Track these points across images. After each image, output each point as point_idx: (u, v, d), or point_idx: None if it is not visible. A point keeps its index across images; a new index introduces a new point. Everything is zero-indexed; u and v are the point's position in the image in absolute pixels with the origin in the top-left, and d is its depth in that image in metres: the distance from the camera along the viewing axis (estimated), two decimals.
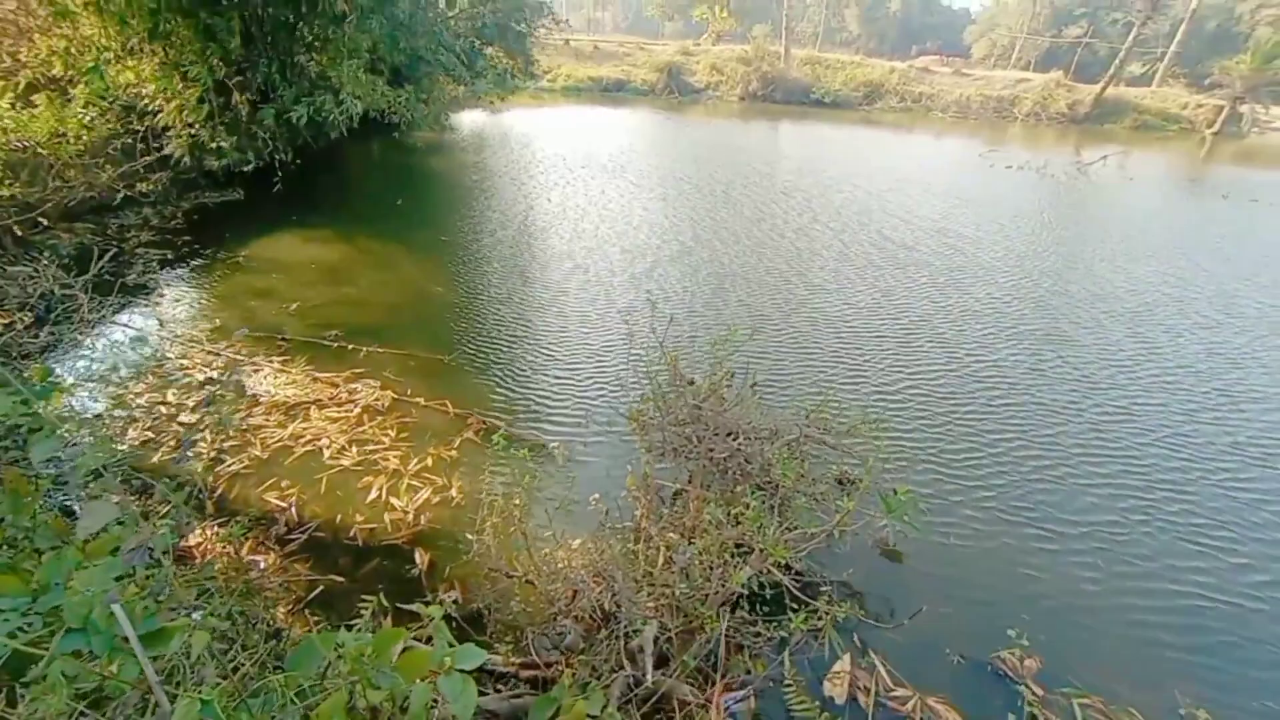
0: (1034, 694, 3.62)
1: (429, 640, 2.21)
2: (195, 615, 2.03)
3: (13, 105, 8.40)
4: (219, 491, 4.57)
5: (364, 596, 3.11)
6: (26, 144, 7.99)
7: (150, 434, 5.02)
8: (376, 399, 5.71)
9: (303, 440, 5.12)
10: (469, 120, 21.26)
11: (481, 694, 3.17)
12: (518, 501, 3.94)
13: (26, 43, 9.56)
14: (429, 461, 5.01)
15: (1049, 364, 7.33)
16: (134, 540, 1.98)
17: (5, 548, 2.02)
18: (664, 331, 4.48)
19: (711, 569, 3.44)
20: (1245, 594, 4.36)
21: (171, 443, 4.95)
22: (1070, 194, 17.19)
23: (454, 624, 3.59)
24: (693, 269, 9.60)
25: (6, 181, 6.65)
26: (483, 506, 3.91)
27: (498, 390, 6.15)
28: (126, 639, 1.60)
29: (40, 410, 2.47)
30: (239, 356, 6.26)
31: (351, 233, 10.31)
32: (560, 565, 3.50)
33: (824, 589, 3.89)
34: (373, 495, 4.61)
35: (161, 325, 6.85)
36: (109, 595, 1.69)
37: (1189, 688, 3.68)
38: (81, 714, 1.66)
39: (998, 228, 12.91)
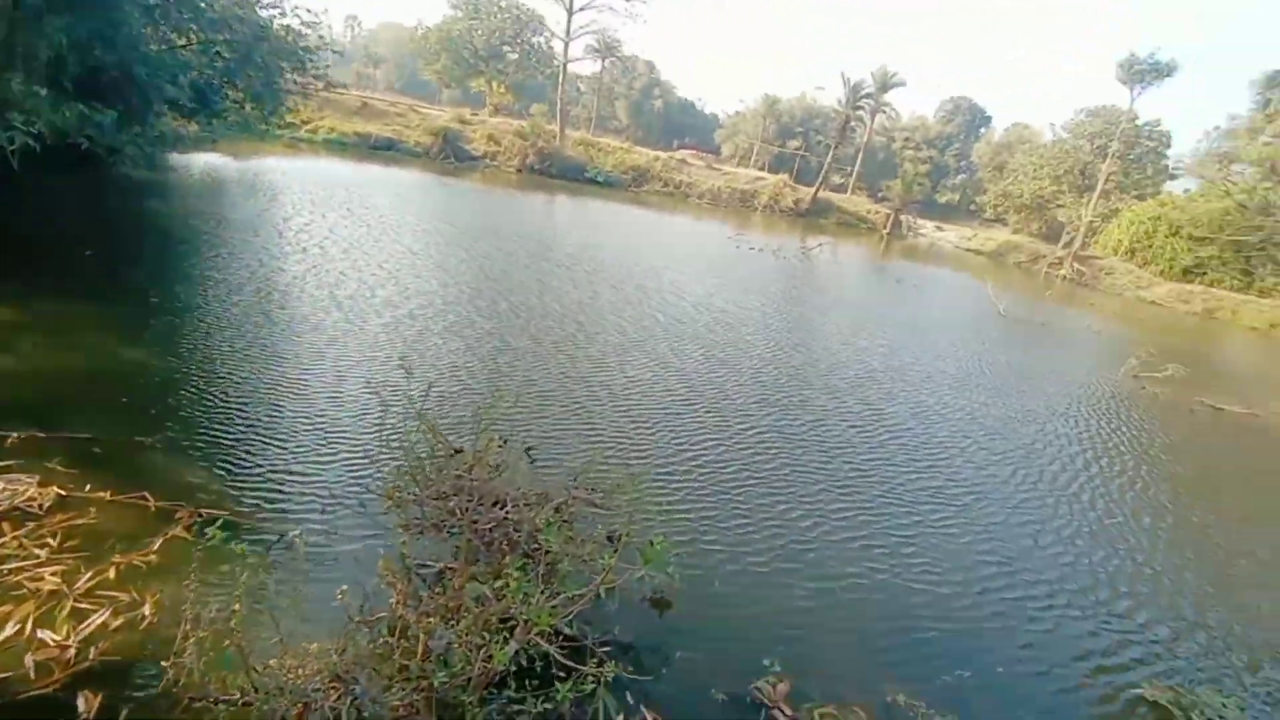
0: (785, 714, 4.00)
1: None
2: None
3: None
4: None
5: None
6: None
7: None
8: (30, 499, 4.37)
9: None
10: (200, 163, 18.48)
11: None
12: (236, 608, 3.27)
13: None
14: (111, 574, 3.95)
15: (797, 424, 8.50)
16: None
17: None
18: (421, 400, 4.23)
19: (474, 650, 3.21)
20: (946, 612, 5.42)
21: None
22: (800, 275, 20.90)
23: None
24: (471, 342, 9.33)
25: None
26: (184, 621, 3.17)
27: (222, 475, 5.17)
28: None
29: None
30: None
31: (20, 289, 7.99)
32: (288, 677, 2.95)
33: (594, 651, 3.88)
34: (8, 631, 3.44)
35: None
36: None
37: (894, 681, 4.40)
38: None
39: (753, 305, 14.99)
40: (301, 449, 5.75)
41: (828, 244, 28.58)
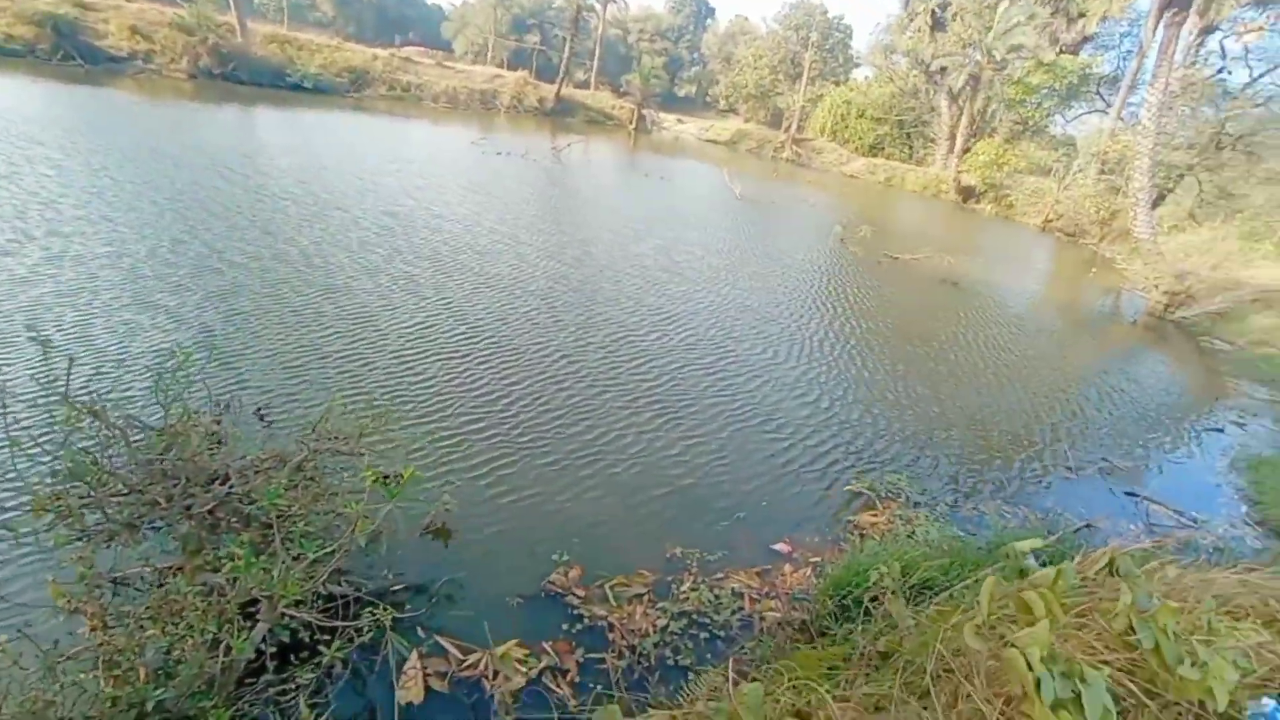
0: (578, 597, 4.27)
1: None
2: None
3: None
4: None
5: None
6: None
7: None
8: None
9: None
10: None
11: None
12: None
13: None
14: None
15: (558, 327, 8.58)
16: None
17: None
18: (66, 378, 3.26)
19: (215, 647, 2.79)
20: (705, 469, 6.09)
21: None
22: (554, 177, 20.48)
23: None
24: (177, 299, 7.51)
25: None
26: None
27: None
28: None
29: None
30: None
31: None
32: None
33: (367, 601, 3.66)
34: None
35: None
36: None
37: (671, 539, 4.94)
38: None
39: (509, 213, 14.28)
40: None
41: (578, 143, 28.40)
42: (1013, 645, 2.11)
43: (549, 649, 3.86)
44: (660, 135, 44.64)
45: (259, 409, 5.40)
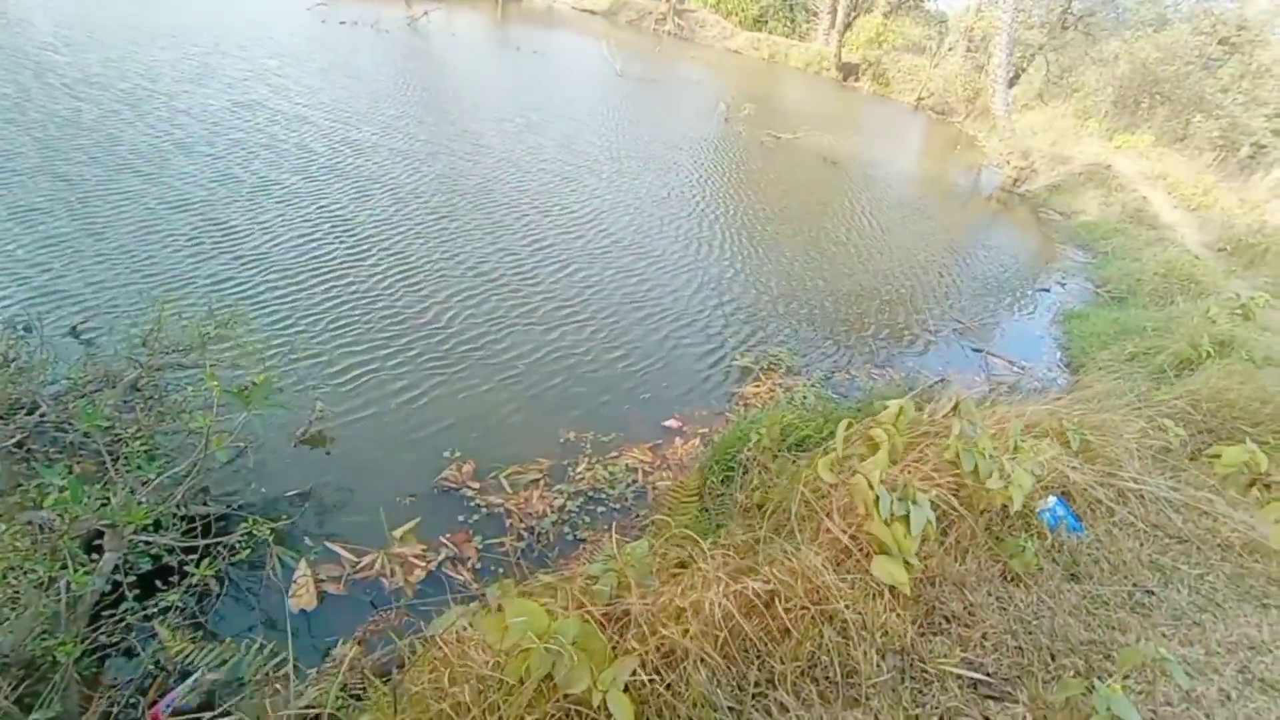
0: (473, 489, 4.27)
1: None
2: None
3: None
4: None
5: None
6: None
7: None
8: None
9: None
10: None
11: None
12: None
13: None
14: None
15: (418, 219, 7.88)
16: None
17: None
18: None
19: (48, 585, 2.52)
20: (577, 350, 6.07)
21: None
22: (413, 53, 18.08)
23: None
24: None
25: None
26: None
27: None
28: None
29: None
30: None
31: None
32: None
33: (245, 516, 3.45)
34: None
35: None
36: None
37: (563, 422, 4.99)
38: None
39: (359, 93, 12.51)
40: None
41: (437, 12, 25.07)
42: (858, 473, 2.35)
43: (447, 541, 3.89)
44: (532, 4, 40.40)
45: (74, 327, 4.64)
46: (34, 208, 6.20)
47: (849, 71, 33.68)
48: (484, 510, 4.12)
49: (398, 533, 3.69)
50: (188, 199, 6.90)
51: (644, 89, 19.73)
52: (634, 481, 4.63)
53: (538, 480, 4.45)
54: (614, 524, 3.88)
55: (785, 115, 20.24)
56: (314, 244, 6.64)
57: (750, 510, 3.66)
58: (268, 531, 3.15)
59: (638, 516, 4.35)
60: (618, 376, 5.76)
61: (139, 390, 3.63)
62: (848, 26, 35.00)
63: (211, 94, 10.14)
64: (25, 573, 2.43)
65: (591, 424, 5.05)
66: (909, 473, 3.12)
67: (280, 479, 3.96)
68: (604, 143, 12.67)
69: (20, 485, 3.04)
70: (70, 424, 3.16)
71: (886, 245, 10.67)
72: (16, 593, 2.47)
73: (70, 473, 2.62)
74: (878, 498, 2.58)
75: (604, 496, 4.44)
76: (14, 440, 2.97)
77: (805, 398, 5.73)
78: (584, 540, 4.07)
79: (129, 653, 2.86)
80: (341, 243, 6.78)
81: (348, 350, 5.23)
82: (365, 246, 6.81)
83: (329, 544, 3.71)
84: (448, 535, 3.92)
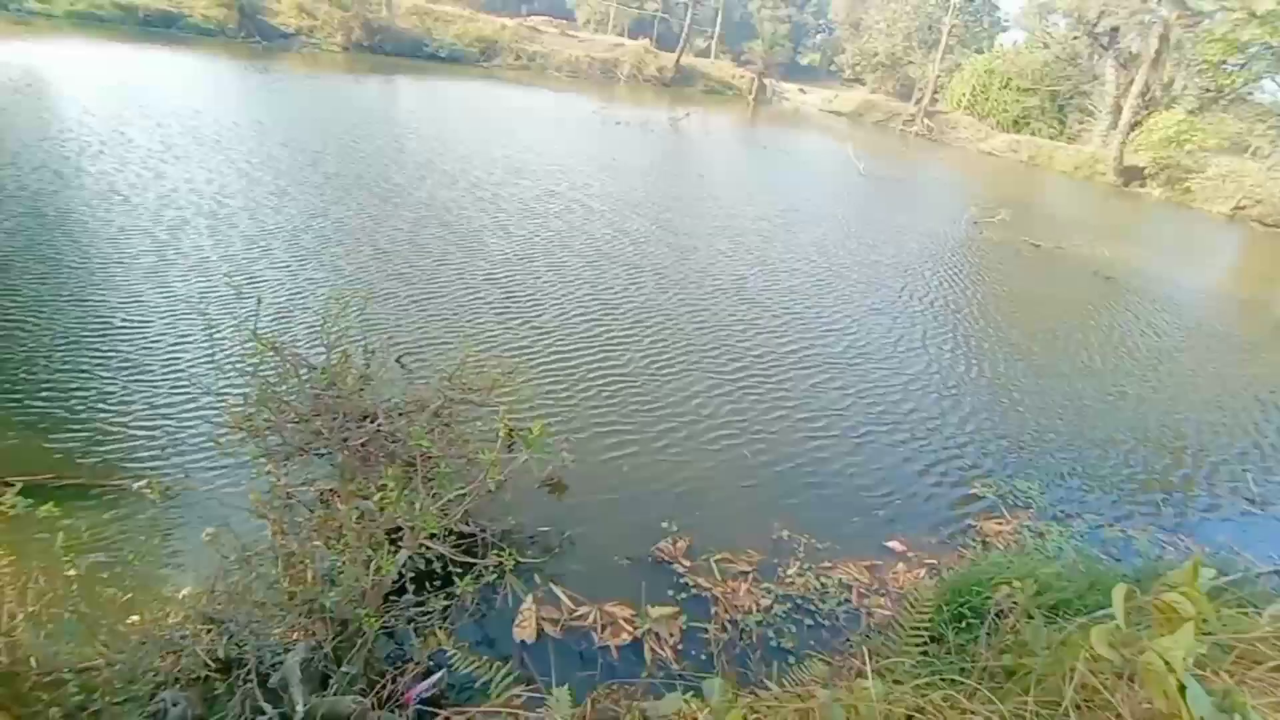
0: (684, 567, 4.35)
1: None
2: None
3: None
4: None
5: None
6: None
7: None
8: None
9: None
10: None
11: None
12: (71, 572, 2.92)
13: None
14: None
15: (674, 302, 8.57)
16: None
17: None
18: (256, 316, 3.75)
19: (365, 564, 3.12)
20: (819, 454, 5.96)
21: None
22: (670, 148, 20.39)
23: None
24: (310, 241, 8.37)
25: None
26: (6, 596, 2.80)
27: (39, 436, 4.46)
28: None
29: None
30: None
31: None
32: (149, 630, 2.73)
33: (494, 542, 3.94)
34: None
35: None
36: None
37: (779, 519, 4.89)
38: None
39: (627, 183, 14.41)
40: (129, 386, 5.05)
41: (696, 113, 27.94)
42: (1153, 651, 1.88)
43: (654, 613, 3.97)
44: (781, 106, 42.97)
45: (399, 356, 5.88)
46: (394, 273, 8.12)
47: (1131, 176, 29.48)
48: (692, 590, 4.15)
49: (654, 611, 3.87)
50: (496, 274, 8.40)
51: (885, 188, 19.48)
52: (846, 600, 4.30)
53: (747, 573, 4.36)
54: (826, 644, 3.61)
55: (1047, 222, 18.31)
56: (589, 321, 7.57)
57: (996, 673, 3.14)
58: (513, 562, 3.54)
59: (848, 641, 4.00)
60: (842, 482, 5.49)
61: (438, 416, 4.43)
62: (1135, 125, 30.84)
63: (526, 186, 12.51)
64: (355, 550, 3.05)
65: (808, 526, 4.85)
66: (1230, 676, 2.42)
67: (520, 514, 4.45)
68: (847, 243, 12.66)
69: (355, 477, 3.86)
70: (394, 436, 3.97)
71: (1181, 381, 8.81)
72: (343, 561, 3.11)
73: (393, 477, 3.28)
74: (1183, 686, 2.02)
75: (813, 609, 4.18)
76: (361, 441, 3.82)
77: (1062, 550, 4.85)
78: (789, 651, 3.85)
79: (391, 635, 3.38)
80: (615, 321, 7.63)
81: (598, 413, 5.80)
82: (631, 328, 7.55)
83: (553, 586, 4.04)
84: (655, 607, 4.00)
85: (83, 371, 5.16)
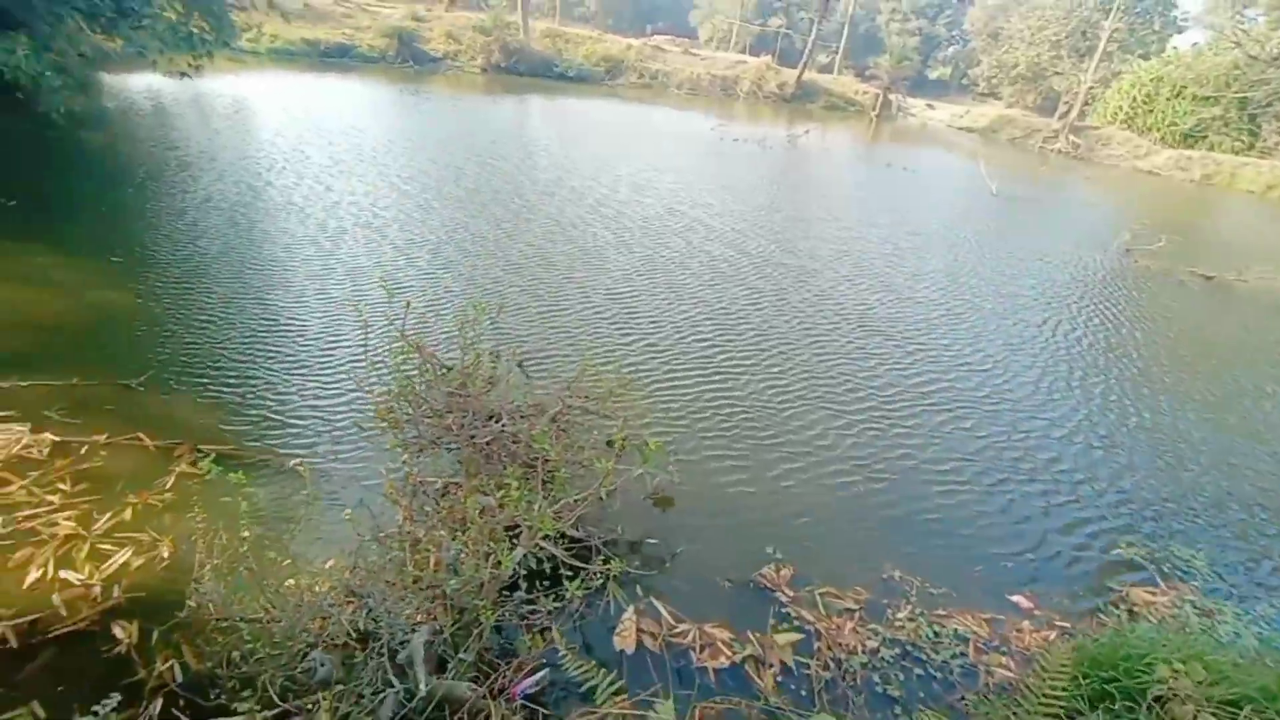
0: (788, 596, 4.25)
1: None
2: None
3: None
4: None
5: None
6: None
7: None
8: (27, 446, 4.37)
9: None
10: (141, 86, 17.07)
11: None
12: (245, 534, 3.36)
13: None
14: (127, 515, 4.00)
15: (791, 323, 8.38)
16: None
17: None
18: (403, 318, 4.14)
19: (484, 558, 3.33)
20: (906, 467, 5.64)
21: None
22: (788, 165, 20.10)
23: (179, 699, 2.99)
24: (451, 251, 9.09)
25: None
26: (199, 549, 3.27)
27: (214, 409, 5.17)
28: None
29: None
30: None
31: None
32: (304, 595, 3.08)
33: (602, 550, 4.06)
34: (33, 576, 3.54)
35: None
36: None
37: (891, 559, 4.64)
38: None
39: (743, 200, 14.45)
40: (291, 377, 5.73)
41: (815, 130, 27.33)
42: None
43: (754, 639, 3.90)
44: (906, 122, 41.00)
45: (520, 361, 6.22)
46: (523, 287, 8.65)
47: None
48: (795, 621, 4.03)
49: (780, 638, 3.85)
50: (617, 290, 8.59)
51: (1025, 211, 17.99)
52: (962, 653, 3.99)
53: (854, 611, 4.17)
54: (938, 698, 3.37)
55: (1221, 251, 16.05)
56: (706, 343, 7.50)
57: None
58: (619, 571, 3.63)
59: (963, 699, 3.70)
60: (966, 530, 5.11)
61: (555, 422, 4.65)
62: None
63: (648, 204, 12.90)
64: (477, 542, 3.27)
65: (923, 570, 4.56)
66: None
67: (626, 526, 4.55)
68: (981, 270, 11.83)
69: (479, 473, 4.14)
70: (515, 438, 4.22)
71: None
72: (466, 552, 3.34)
73: (516, 477, 3.49)
74: None
75: (924, 658, 3.91)
76: (486, 440, 4.10)
77: (1239, 636, 4.20)
78: (895, 699, 3.63)
79: (499, 629, 3.57)
80: (732, 343, 7.55)
81: (710, 434, 5.77)
82: (749, 352, 7.41)
83: (654, 600, 4.08)
84: (756, 633, 3.93)
85: (256, 362, 5.92)
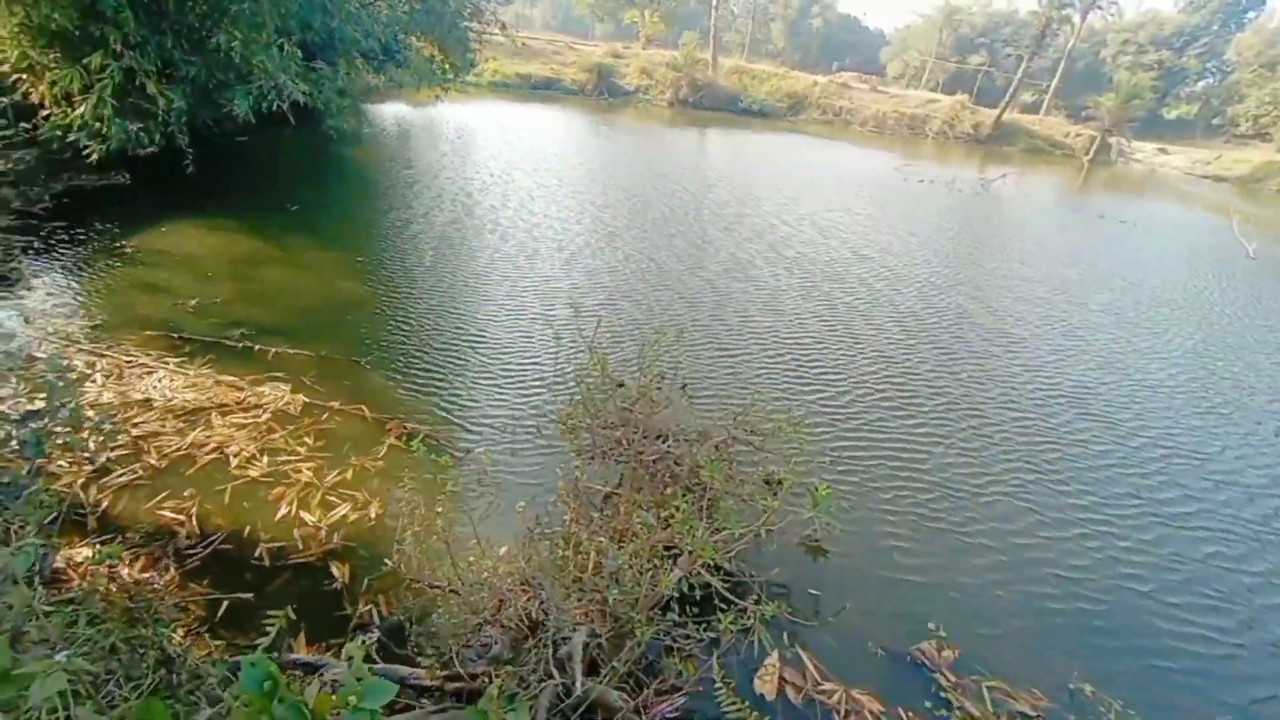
0: (949, 680, 3.85)
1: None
2: (60, 655, 1.77)
3: None
4: (104, 506, 4.14)
5: (269, 614, 2.89)
6: None
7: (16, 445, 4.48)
8: (287, 403, 5.35)
9: (206, 449, 4.72)
10: (390, 112, 20.38)
11: (407, 708, 3.03)
12: (440, 509, 3.80)
13: None
14: (348, 475, 4.72)
15: (977, 383, 7.61)
16: None
17: None
18: (592, 334, 4.46)
19: (642, 573, 3.44)
20: (1124, 584, 4.83)
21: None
22: (979, 211, 18.51)
23: (377, 642, 3.43)
24: (633, 274, 9.54)
25: None
26: (402, 514, 3.76)
27: (419, 394, 5.91)
28: None
29: None
30: (127, 356, 5.70)
31: (258, 225, 9.65)
32: (485, 574, 3.40)
33: (752, 588, 3.99)
34: (282, 511, 4.31)
35: (28, 321, 6.12)
36: None
37: (1079, 668, 4.03)
38: None
39: (927, 246, 13.54)
40: (486, 374, 6.39)
41: (1012, 175, 24.93)
42: None
43: (906, 718, 3.58)
44: (1126, 168, 35.86)
45: (684, 384, 6.37)
46: (699, 322, 8.88)
47: None
48: (955, 711, 3.63)
49: (856, 692, 3.60)
50: (794, 336, 8.18)
51: None
52: None
53: (1030, 717, 3.66)
54: None
55: None
56: (890, 404, 6.85)
57: None
58: (769, 612, 3.54)
59: None
60: (1178, 636, 4.29)
61: (717, 450, 4.69)
62: None
63: (832, 247, 12.44)
64: (640, 556, 3.38)
65: (1120, 686, 3.88)
66: None
67: (778, 565, 4.42)
68: (1241, 352, 9.73)
69: (641, 489, 4.29)
70: (679, 460, 4.32)
71: None
72: (629, 565, 3.47)
73: (685, 500, 3.57)
74: None
75: None
76: (653, 458, 4.25)
77: None
78: None
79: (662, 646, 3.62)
80: (921, 409, 6.83)
81: (880, 487, 5.46)
82: (940, 421, 6.66)
83: (800, 650, 3.91)
84: (910, 712, 3.60)
85: (456, 359, 6.65)
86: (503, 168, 15.31)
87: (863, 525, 4.98)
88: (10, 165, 8.29)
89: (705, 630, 3.45)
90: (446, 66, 16.44)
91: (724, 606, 3.49)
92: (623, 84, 32.46)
